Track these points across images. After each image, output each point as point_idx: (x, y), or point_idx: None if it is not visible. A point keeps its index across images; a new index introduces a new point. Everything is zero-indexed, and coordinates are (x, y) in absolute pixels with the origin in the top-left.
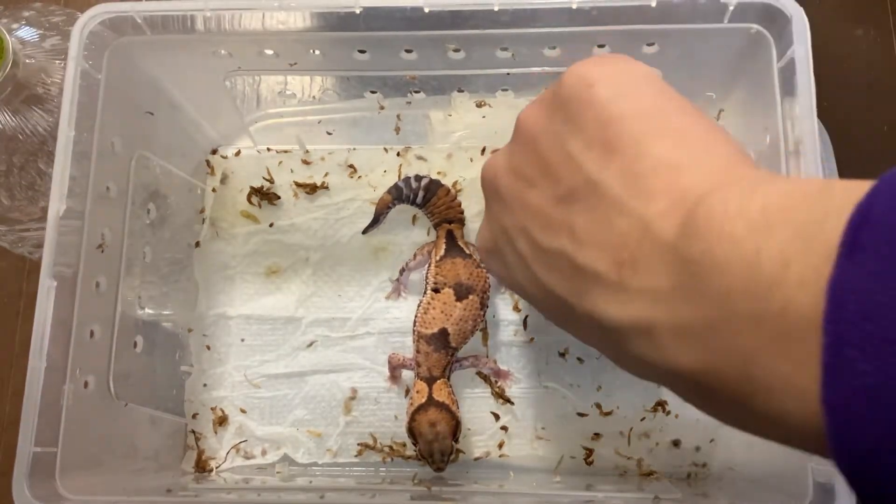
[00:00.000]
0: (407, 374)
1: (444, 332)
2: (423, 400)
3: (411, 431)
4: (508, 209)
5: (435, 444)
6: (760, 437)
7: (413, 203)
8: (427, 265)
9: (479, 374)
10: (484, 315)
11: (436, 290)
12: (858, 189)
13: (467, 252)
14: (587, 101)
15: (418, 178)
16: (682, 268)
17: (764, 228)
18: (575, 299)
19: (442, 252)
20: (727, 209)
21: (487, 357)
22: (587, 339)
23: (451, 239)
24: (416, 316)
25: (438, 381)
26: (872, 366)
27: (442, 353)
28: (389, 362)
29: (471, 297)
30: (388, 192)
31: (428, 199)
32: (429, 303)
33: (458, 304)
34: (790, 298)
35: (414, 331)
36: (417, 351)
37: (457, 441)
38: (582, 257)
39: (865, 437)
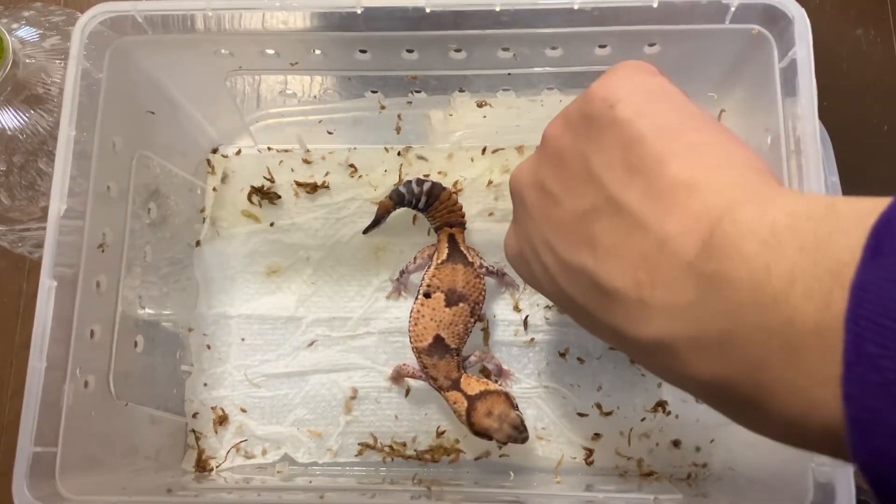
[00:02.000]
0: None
1: (438, 339)
2: (466, 403)
3: (479, 434)
4: (534, 222)
5: (505, 426)
6: (779, 442)
7: (415, 208)
8: (426, 267)
9: (482, 371)
10: (475, 322)
11: (427, 296)
12: (862, 205)
13: (469, 259)
14: (609, 121)
15: (420, 182)
16: (698, 285)
17: (773, 246)
18: (599, 312)
19: (444, 257)
20: (740, 230)
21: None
22: (610, 343)
23: (452, 243)
24: (408, 329)
25: (462, 379)
26: (893, 361)
27: (447, 357)
28: (398, 372)
29: (461, 304)
30: (390, 196)
31: (430, 203)
32: (418, 311)
33: (447, 309)
34: (797, 309)
35: (412, 348)
36: (424, 367)
37: (517, 409)
38: (602, 274)
39: (885, 432)
